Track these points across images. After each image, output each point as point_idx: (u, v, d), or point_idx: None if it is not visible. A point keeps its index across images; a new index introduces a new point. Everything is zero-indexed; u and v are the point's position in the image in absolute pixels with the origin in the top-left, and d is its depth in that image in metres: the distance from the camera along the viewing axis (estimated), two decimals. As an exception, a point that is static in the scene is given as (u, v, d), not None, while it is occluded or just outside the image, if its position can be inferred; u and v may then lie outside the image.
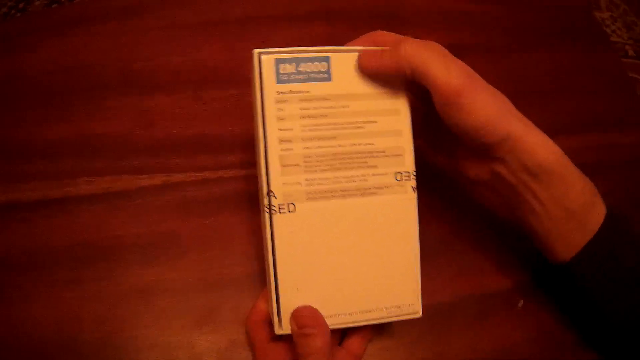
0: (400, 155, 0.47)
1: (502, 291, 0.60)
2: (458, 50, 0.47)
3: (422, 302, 0.48)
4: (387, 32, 0.50)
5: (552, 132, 0.48)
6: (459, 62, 0.47)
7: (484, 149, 0.47)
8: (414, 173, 0.47)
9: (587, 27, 0.87)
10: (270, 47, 0.45)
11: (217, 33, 0.69)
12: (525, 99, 0.49)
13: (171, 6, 0.70)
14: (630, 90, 0.83)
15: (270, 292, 0.45)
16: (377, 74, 0.46)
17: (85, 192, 0.58)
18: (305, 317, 0.45)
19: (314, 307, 0.45)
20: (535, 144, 0.46)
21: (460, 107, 0.45)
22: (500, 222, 0.59)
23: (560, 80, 0.79)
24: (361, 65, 0.46)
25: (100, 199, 0.57)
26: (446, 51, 0.47)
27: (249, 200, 0.59)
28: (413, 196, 0.47)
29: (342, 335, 0.51)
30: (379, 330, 0.54)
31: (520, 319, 0.59)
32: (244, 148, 0.61)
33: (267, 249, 0.45)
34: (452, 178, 0.56)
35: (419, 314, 0.48)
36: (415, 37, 0.48)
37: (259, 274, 0.54)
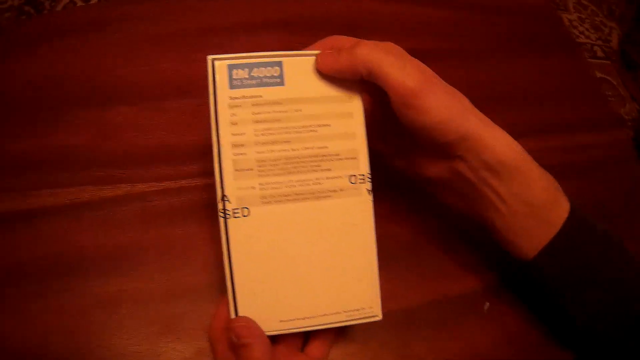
0: (355, 158, 0.47)
1: (468, 294, 0.60)
2: (420, 55, 0.47)
3: (386, 306, 0.48)
4: (343, 37, 0.50)
5: (520, 135, 0.48)
6: (416, 62, 0.47)
7: (443, 147, 0.48)
8: (369, 175, 0.47)
9: (553, 31, 0.87)
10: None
11: (177, 44, 0.69)
12: (491, 104, 0.49)
13: (132, 19, 0.69)
14: (598, 92, 0.84)
15: (228, 296, 0.45)
16: (334, 75, 0.46)
17: (49, 204, 0.57)
18: (240, 327, 0.45)
19: (272, 310, 0.45)
20: (495, 140, 0.47)
21: (416, 107, 0.45)
22: (463, 224, 0.59)
23: (527, 84, 0.79)
24: (318, 66, 0.46)
25: (64, 210, 0.57)
26: (403, 51, 0.47)
27: (210, 209, 0.57)
28: (368, 198, 0.47)
29: (304, 340, 0.51)
30: (341, 334, 0.54)
31: (488, 322, 0.58)
32: (205, 157, 0.59)
33: (224, 254, 0.45)
34: (412, 179, 0.56)
35: (379, 317, 0.48)
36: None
37: (223, 281, 0.54)
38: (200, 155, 0.61)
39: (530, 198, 0.48)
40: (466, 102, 0.48)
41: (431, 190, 0.55)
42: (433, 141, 0.47)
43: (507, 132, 0.48)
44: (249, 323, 0.45)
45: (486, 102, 0.49)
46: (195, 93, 0.64)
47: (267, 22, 0.74)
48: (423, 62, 0.48)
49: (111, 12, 0.70)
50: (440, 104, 0.45)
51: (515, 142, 0.48)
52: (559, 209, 0.49)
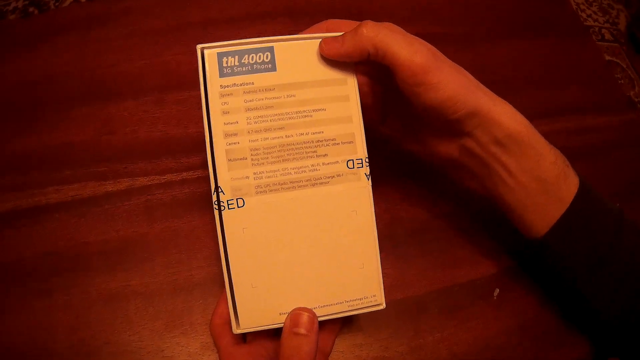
0: (352, 142, 0.43)
1: (477, 282, 0.57)
2: (428, 40, 0.44)
3: (395, 295, 0.46)
4: (339, 20, 0.47)
5: (529, 118, 0.46)
6: (421, 40, 0.44)
7: (452, 124, 0.45)
8: (367, 160, 0.43)
9: (561, 14, 0.84)
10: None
11: (179, 36, 0.66)
12: (499, 88, 0.46)
13: (134, 13, 0.67)
14: (607, 75, 0.80)
15: (226, 290, 0.42)
16: (341, 59, 0.43)
17: (53, 201, 0.55)
18: (304, 315, 0.41)
19: (272, 303, 0.42)
20: (503, 115, 0.45)
21: (426, 83, 0.42)
22: (472, 210, 0.57)
23: (536, 67, 0.76)
24: (323, 52, 0.43)
25: (69, 207, 0.55)
26: (405, 31, 0.44)
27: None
28: (367, 183, 0.43)
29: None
30: (347, 325, 0.51)
31: (498, 310, 0.56)
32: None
33: (220, 247, 0.41)
34: (422, 159, 0.54)
35: (383, 306, 0.44)
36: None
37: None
38: (202, 147, 0.58)
39: (540, 172, 0.46)
40: (473, 79, 0.46)
41: (441, 169, 0.53)
42: (443, 118, 0.44)
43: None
44: (314, 318, 0.42)
45: (494, 85, 0.46)
46: (197, 84, 0.61)
47: (270, 12, 0.70)
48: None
49: (112, 7, 0.67)
50: (449, 79, 0.43)
51: (523, 117, 0.46)
52: (569, 184, 0.47)
